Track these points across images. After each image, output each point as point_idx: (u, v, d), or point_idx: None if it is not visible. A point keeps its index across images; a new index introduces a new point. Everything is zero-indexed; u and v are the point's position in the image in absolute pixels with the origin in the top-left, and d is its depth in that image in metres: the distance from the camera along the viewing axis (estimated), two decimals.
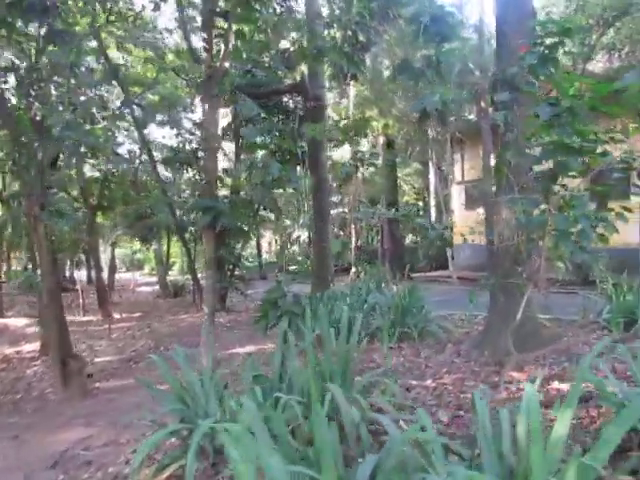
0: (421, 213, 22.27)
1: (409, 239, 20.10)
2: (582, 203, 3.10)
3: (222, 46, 5.20)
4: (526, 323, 4.92)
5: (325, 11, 15.21)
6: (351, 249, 18.46)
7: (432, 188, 18.42)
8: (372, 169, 19.31)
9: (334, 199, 22.30)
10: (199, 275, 10.57)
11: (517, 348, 4.84)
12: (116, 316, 11.18)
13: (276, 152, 12.49)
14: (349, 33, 13.59)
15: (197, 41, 9.86)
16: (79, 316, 11.06)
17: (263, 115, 10.01)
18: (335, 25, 13.79)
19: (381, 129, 14.82)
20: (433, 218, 19.02)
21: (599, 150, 3.37)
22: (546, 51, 3.41)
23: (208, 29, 5.42)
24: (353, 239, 18.18)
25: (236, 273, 10.30)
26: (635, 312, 5.32)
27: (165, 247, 16.03)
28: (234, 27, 8.01)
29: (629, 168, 4.23)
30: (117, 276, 25.30)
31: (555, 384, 3.84)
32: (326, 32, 12.51)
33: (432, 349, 5.46)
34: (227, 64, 5.34)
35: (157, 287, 16.73)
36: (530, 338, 4.92)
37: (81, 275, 21.58)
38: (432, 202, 19.18)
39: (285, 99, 10.20)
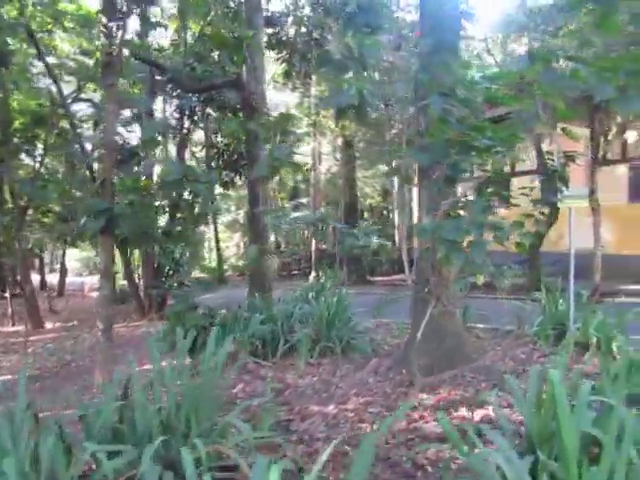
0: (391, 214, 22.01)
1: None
2: (475, 209, 2.69)
3: (120, 32, 4.68)
4: (448, 337, 4.53)
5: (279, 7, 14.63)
6: (312, 252, 18.04)
7: (395, 190, 18.12)
8: (333, 170, 18.99)
9: (304, 200, 21.89)
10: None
11: (439, 364, 4.47)
12: (49, 326, 10.48)
13: (224, 152, 12.00)
14: (303, 29, 13.13)
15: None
16: (7, 326, 10.31)
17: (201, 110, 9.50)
18: (288, 21, 13.33)
19: (339, 130, 14.44)
20: (397, 220, 18.75)
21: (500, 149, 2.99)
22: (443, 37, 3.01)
23: (108, 13, 4.88)
24: (313, 243, 17.75)
25: (177, 278, 9.76)
26: (566, 323, 4.99)
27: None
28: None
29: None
30: (80, 280, 24.37)
31: (461, 412, 3.44)
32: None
33: (353, 365, 5.03)
34: (126, 51, 4.82)
35: None
36: (454, 353, 4.53)
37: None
38: (395, 204, 18.91)
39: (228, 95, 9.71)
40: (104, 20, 4.90)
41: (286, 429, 3.43)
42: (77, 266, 33.44)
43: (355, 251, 11.93)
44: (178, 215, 8.43)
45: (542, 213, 3.76)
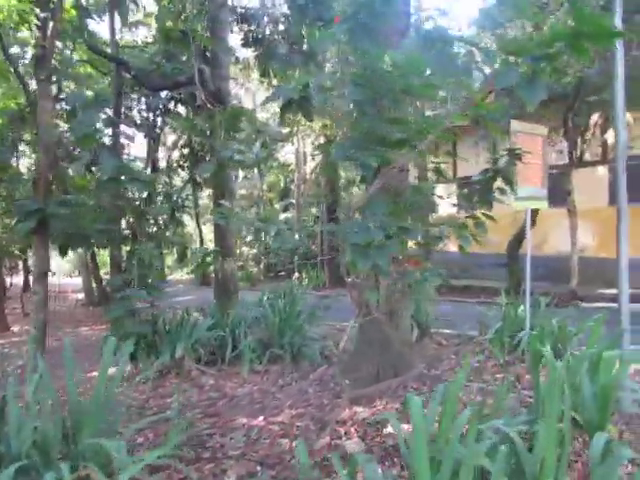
0: None
1: None
2: (376, 210, 2.45)
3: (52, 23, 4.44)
4: (394, 345, 4.29)
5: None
6: (296, 253, 17.76)
7: None
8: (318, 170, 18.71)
9: (293, 201, 21.63)
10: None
11: (384, 373, 4.24)
12: (16, 329, 10.22)
13: (198, 151, 11.76)
14: (280, 28, 12.88)
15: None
16: None
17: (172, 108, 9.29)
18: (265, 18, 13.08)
19: (320, 129, 14.22)
20: None
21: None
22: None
23: (41, 4, 4.65)
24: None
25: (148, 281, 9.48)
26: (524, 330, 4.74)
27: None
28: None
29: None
30: (65, 282, 24.02)
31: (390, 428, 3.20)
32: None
33: (299, 374, 4.79)
34: (59, 43, 4.58)
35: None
36: (399, 362, 4.28)
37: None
38: None
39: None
40: (37, 11, 4.66)
41: (201, 445, 3.19)
42: (66, 267, 33.04)
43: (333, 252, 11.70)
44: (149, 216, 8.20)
45: (485, 215, 3.53)
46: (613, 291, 9.69)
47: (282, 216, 20.86)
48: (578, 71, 6.83)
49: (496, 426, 2.03)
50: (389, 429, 3.16)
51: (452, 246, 11.72)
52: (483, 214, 3.41)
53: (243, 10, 11.27)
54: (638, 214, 9.84)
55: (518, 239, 10.28)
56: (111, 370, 5.13)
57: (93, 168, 7.84)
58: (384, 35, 2.97)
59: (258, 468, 2.81)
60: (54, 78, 6.32)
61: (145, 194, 5.42)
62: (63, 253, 4.84)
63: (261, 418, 3.62)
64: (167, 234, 10.54)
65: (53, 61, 5.67)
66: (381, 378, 4.13)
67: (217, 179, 5.32)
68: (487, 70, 2.92)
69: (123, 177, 4.68)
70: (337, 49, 3.21)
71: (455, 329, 6.30)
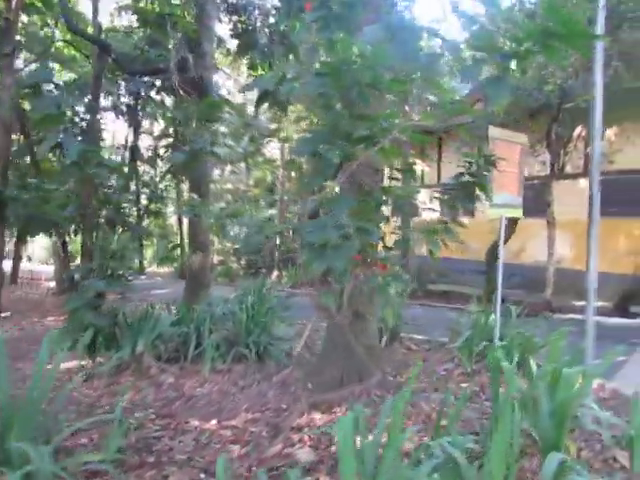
0: None
1: None
2: (338, 208, 2.33)
3: None
4: (357, 350, 4.17)
5: None
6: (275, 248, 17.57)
7: None
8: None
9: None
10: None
11: (348, 379, 4.12)
12: None
13: (180, 141, 11.51)
14: (271, 20, 12.68)
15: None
16: None
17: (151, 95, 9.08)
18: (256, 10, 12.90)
19: (306, 125, 14.07)
20: None
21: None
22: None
23: None
24: (277, 239, 17.31)
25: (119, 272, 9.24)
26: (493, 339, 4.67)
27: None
28: None
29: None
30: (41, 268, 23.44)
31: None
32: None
33: (263, 374, 4.65)
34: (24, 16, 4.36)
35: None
36: (365, 367, 4.17)
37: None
38: None
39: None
40: None
41: (147, 448, 3.03)
42: (44, 254, 32.33)
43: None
44: (125, 205, 8.00)
45: (455, 221, 3.44)
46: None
47: (268, 212, 20.66)
48: (562, 82, 6.82)
49: (443, 444, 1.92)
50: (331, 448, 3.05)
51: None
52: (453, 220, 3.31)
53: (234, 0, 11.07)
54: (621, 227, 9.99)
55: (497, 246, 10.28)
56: (66, 364, 4.97)
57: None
58: (356, 24, 2.85)
59: (202, 476, 2.68)
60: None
61: (118, 182, 5.23)
62: (22, 238, 4.63)
63: (215, 421, 3.48)
64: (144, 225, 10.26)
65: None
66: (345, 383, 4.02)
67: (189, 170, 5.15)
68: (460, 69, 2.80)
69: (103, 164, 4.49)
70: (307, 38, 3.07)
71: (428, 334, 6.22)
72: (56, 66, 14.87)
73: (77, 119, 12.19)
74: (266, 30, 8.05)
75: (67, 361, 4.94)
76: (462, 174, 3.47)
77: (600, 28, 3.15)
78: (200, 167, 7.90)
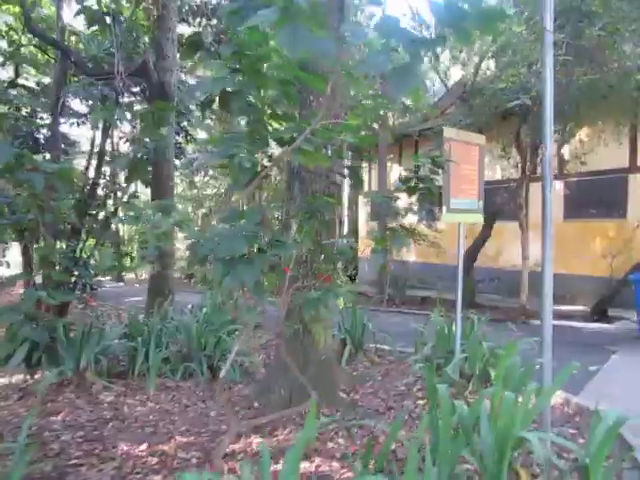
0: None
1: None
2: (249, 219, 2.08)
3: None
4: (311, 365, 3.92)
5: None
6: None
7: (345, 198, 17.59)
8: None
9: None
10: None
11: (298, 398, 3.87)
12: None
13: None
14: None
15: None
16: None
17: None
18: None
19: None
20: (346, 229, 18.29)
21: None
22: None
23: None
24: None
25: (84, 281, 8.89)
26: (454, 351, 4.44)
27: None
28: None
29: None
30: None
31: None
32: None
33: (212, 392, 4.37)
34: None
35: None
36: (315, 385, 3.90)
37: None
38: (345, 212, 18.38)
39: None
40: None
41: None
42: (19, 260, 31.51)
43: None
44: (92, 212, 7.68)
45: (404, 228, 3.21)
46: (563, 307, 9.62)
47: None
48: (527, 82, 6.66)
49: None
50: (279, 465, 2.79)
51: (412, 256, 11.47)
52: (402, 227, 3.08)
53: (197, 2, 10.81)
54: (597, 229, 9.89)
55: (472, 251, 10.11)
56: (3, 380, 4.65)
57: None
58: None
59: None
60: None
61: (62, 188, 4.92)
62: None
63: (145, 446, 3.20)
64: (109, 231, 9.87)
65: None
66: (294, 402, 3.76)
67: (136, 175, 4.87)
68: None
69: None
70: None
71: (399, 344, 5.97)
72: (31, 70, 14.55)
73: (40, 122, 11.81)
74: (211, 29, 7.79)
75: (6, 376, 4.66)
76: (410, 178, 3.24)
77: (549, 23, 2.96)
78: (160, 172, 7.63)
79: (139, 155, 4.70)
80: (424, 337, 5.23)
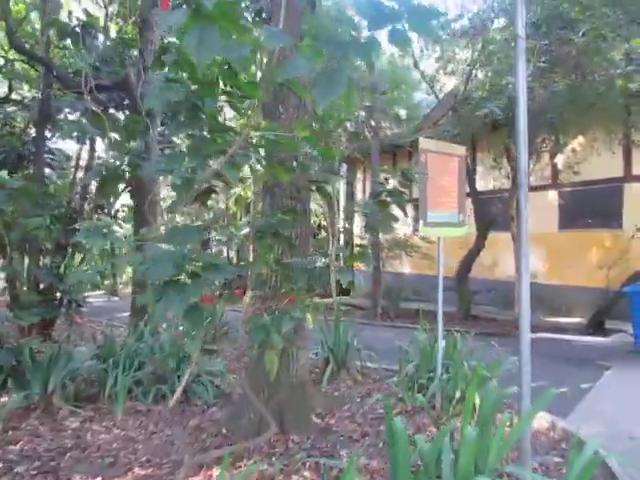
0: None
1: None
2: (179, 239, 1.92)
3: None
4: (282, 388, 3.73)
5: None
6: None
7: (341, 208, 17.46)
8: None
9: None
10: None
11: (267, 423, 3.66)
12: None
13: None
14: None
15: None
16: None
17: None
18: None
19: None
20: (342, 240, 18.15)
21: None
22: None
23: None
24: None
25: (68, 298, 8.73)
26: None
27: None
28: None
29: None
30: None
31: None
32: None
33: (182, 416, 4.17)
34: None
35: None
36: (288, 409, 3.71)
37: None
38: (341, 223, 18.24)
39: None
40: None
41: None
42: None
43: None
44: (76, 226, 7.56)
45: (362, 246, 3.04)
46: (559, 319, 9.39)
47: (244, 231, 20.08)
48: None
49: None
50: None
51: (406, 267, 11.27)
52: (359, 246, 2.91)
53: None
54: (592, 239, 9.69)
55: (467, 262, 9.94)
56: None
57: None
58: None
59: None
60: None
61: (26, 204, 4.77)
62: None
63: (100, 479, 3.00)
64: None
65: None
66: (263, 429, 3.56)
67: (106, 191, 4.71)
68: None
69: None
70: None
71: (387, 361, 5.73)
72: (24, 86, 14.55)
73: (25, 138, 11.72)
74: None
75: None
76: (380, 192, 3.07)
77: (521, 27, 2.81)
78: (142, 186, 7.50)
79: (111, 168, 4.56)
80: (409, 355, 5.02)
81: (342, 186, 17.10)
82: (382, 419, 3.85)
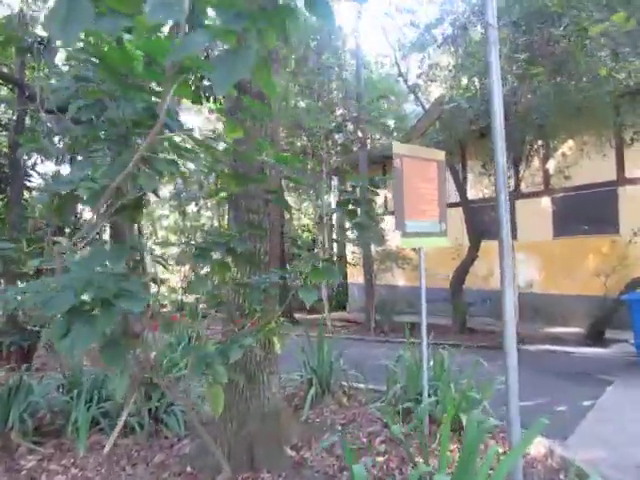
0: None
1: None
2: (92, 261, 1.65)
3: None
4: (251, 421, 3.41)
5: None
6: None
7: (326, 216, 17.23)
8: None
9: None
10: None
11: (235, 459, 3.35)
12: None
13: None
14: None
15: None
16: None
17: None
18: None
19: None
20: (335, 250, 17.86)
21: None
22: None
23: None
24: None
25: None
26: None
27: None
28: None
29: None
30: None
31: None
32: None
33: (148, 452, 3.84)
34: None
35: None
36: (259, 442, 3.38)
37: None
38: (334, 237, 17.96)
39: None
40: None
41: None
42: None
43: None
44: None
45: (329, 260, 2.77)
46: (556, 330, 9.06)
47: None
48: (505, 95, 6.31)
49: None
50: None
51: (399, 280, 10.93)
52: (327, 260, 2.64)
53: None
54: (589, 246, 9.41)
55: (461, 272, 9.64)
56: None
57: None
58: None
59: None
60: None
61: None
62: None
63: None
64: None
65: None
66: (231, 464, 3.24)
67: (60, 211, 4.46)
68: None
69: None
70: None
71: (376, 381, 5.39)
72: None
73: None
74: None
75: None
76: (347, 201, 2.80)
77: (492, 15, 2.58)
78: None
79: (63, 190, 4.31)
80: (396, 375, 4.70)
81: (332, 199, 16.87)
82: (363, 450, 3.52)
